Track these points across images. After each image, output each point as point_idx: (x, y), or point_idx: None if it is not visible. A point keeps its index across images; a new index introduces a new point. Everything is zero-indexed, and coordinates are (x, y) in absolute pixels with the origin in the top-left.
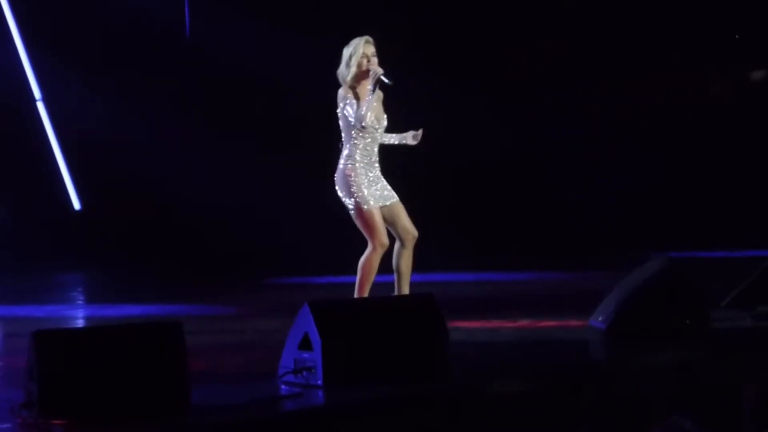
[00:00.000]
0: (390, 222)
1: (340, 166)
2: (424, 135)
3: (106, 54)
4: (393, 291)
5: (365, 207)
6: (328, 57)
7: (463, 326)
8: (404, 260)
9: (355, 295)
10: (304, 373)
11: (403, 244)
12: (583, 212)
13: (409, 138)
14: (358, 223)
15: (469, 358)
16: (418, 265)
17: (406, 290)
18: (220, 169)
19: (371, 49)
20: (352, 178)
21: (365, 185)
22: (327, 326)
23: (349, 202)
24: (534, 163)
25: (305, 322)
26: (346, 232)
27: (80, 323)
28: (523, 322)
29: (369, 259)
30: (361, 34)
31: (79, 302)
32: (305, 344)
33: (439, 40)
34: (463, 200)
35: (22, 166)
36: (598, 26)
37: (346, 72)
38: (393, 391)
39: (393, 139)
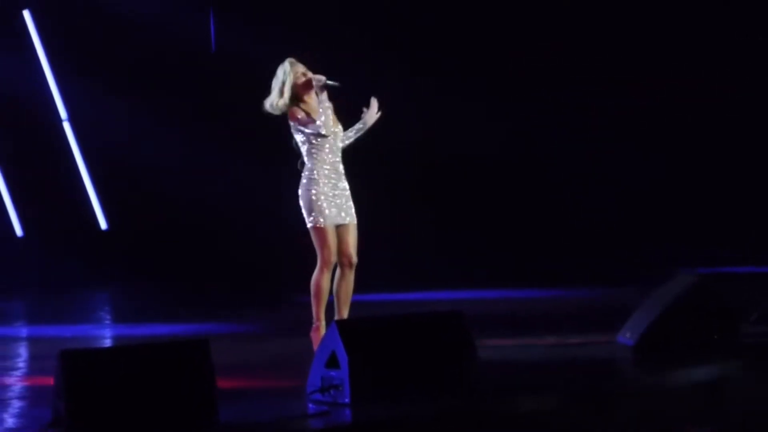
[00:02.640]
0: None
1: (303, 180)
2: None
3: (131, 73)
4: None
5: (320, 224)
6: (351, 70)
7: (491, 344)
8: (342, 284)
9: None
10: (332, 391)
11: (340, 268)
12: (584, 213)
13: (367, 119)
14: (312, 238)
15: (497, 375)
16: (444, 282)
17: (344, 314)
18: (246, 186)
19: (301, 67)
20: (314, 194)
21: (325, 202)
22: (354, 344)
23: (306, 217)
24: (534, 163)
25: (332, 341)
26: (373, 250)
27: (107, 342)
28: (551, 339)
29: (316, 277)
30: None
31: (107, 321)
32: (332, 362)
33: (438, 40)
34: (463, 203)
35: (49, 186)
36: (598, 26)
37: (278, 99)
38: (420, 409)
39: (352, 132)
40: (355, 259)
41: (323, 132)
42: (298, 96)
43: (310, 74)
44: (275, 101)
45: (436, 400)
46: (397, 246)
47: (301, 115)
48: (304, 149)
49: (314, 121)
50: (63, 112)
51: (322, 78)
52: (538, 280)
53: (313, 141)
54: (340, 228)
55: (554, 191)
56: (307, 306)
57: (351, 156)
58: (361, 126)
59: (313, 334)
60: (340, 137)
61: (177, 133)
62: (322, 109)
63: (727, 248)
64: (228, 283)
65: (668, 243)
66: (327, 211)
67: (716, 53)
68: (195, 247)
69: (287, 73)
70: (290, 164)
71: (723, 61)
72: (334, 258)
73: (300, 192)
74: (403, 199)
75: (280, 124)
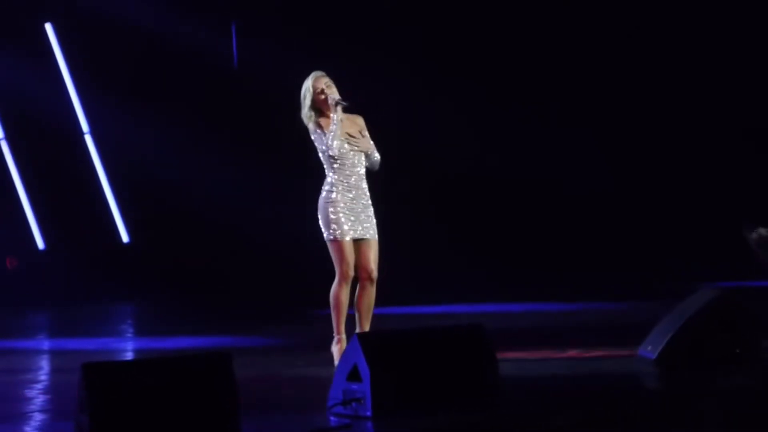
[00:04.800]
0: (355, 256)
1: (322, 194)
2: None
3: (153, 87)
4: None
5: (338, 237)
6: (372, 87)
7: (512, 357)
8: (363, 298)
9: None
10: (353, 404)
11: (360, 282)
12: (607, 227)
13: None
14: (330, 251)
15: (519, 389)
16: (466, 295)
17: (366, 328)
18: (268, 200)
19: (324, 81)
20: (330, 208)
21: (343, 215)
22: (376, 357)
23: (324, 230)
24: (555, 177)
25: (354, 354)
26: (394, 263)
27: (130, 355)
28: (572, 352)
29: (334, 291)
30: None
31: (129, 334)
32: (354, 375)
33: (460, 59)
34: (485, 217)
35: (71, 199)
36: (606, 36)
37: (307, 112)
38: (442, 422)
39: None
40: (375, 273)
41: (330, 152)
42: (320, 110)
43: (327, 91)
44: (306, 112)
45: (458, 413)
46: (419, 259)
47: (318, 130)
48: (324, 162)
49: (324, 139)
50: (85, 126)
51: (336, 96)
52: (559, 294)
53: (331, 155)
54: (359, 242)
55: (576, 205)
56: (329, 319)
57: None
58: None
59: (334, 348)
60: (359, 156)
61: (199, 146)
62: (330, 130)
63: (749, 262)
64: (250, 296)
65: (691, 257)
66: (344, 225)
67: (720, 57)
68: (217, 260)
69: (309, 87)
70: (314, 178)
71: (730, 70)
72: (351, 272)
73: (318, 205)
74: (425, 213)
75: (304, 138)
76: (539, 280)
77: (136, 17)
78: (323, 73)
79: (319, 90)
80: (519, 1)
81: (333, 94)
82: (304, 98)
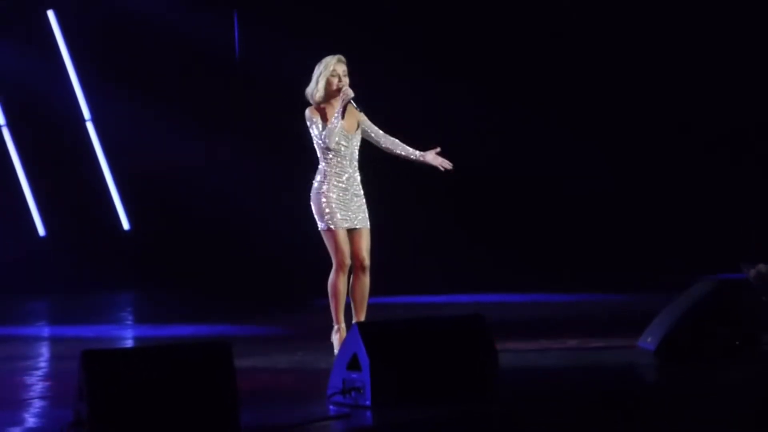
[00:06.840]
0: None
1: (314, 184)
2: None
3: (155, 75)
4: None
5: (331, 227)
6: (379, 78)
7: (511, 347)
8: (357, 287)
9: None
10: (353, 393)
11: (354, 271)
12: (608, 220)
13: (427, 158)
14: (324, 241)
15: (518, 379)
16: (465, 285)
17: (361, 317)
18: (268, 189)
19: (342, 68)
20: (323, 198)
21: (335, 205)
22: (375, 347)
23: (318, 221)
24: (557, 171)
25: (354, 343)
26: (396, 253)
27: (129, 343)
28: (572, 343)
29: (331, 279)
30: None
31: (129, 322)
32: (354, 365)
33: (468, 50)
34: (487, 208)
35: (72, 186)
36: (606, 36)
37: (315, 90)
38: (441, 412)
39: (401, 149)
40: (367, 261)
41: (323, 143)
42: (328, 94)
43: (344, 83)
44: (313, 90)
45: (457, 403)
46: (421, 250)
47: (315, 117)
48: (317, 150)
49: (320, 130)
50: (86, 113)
51: (350, 93)
52: (559, 285)
53: (326, 147)
54: (352, 232)
55: (576, 205)
56: (329, 309)
57: (377, 161)
58: (415, 157)
59: (334, 337)
60: (353, 148)
61: (200, 135)
62: (332, 123)
63: (750, 255)
64: (250, 284)
65: (691, 257)
66: (337, 215)
67: (719, 58)
68: (217, 249)
69: (328, 66)
70: (312, 168)
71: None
72: (347, 260)
73: (311, 195)
74: (428, 203)
75: (304, 128)
76: (539, 272)
77: (138, 5)
78: (344, 60)
79: (336, 75)
80: (519, 2)
81: (349, 91)
82: (318, 75)
